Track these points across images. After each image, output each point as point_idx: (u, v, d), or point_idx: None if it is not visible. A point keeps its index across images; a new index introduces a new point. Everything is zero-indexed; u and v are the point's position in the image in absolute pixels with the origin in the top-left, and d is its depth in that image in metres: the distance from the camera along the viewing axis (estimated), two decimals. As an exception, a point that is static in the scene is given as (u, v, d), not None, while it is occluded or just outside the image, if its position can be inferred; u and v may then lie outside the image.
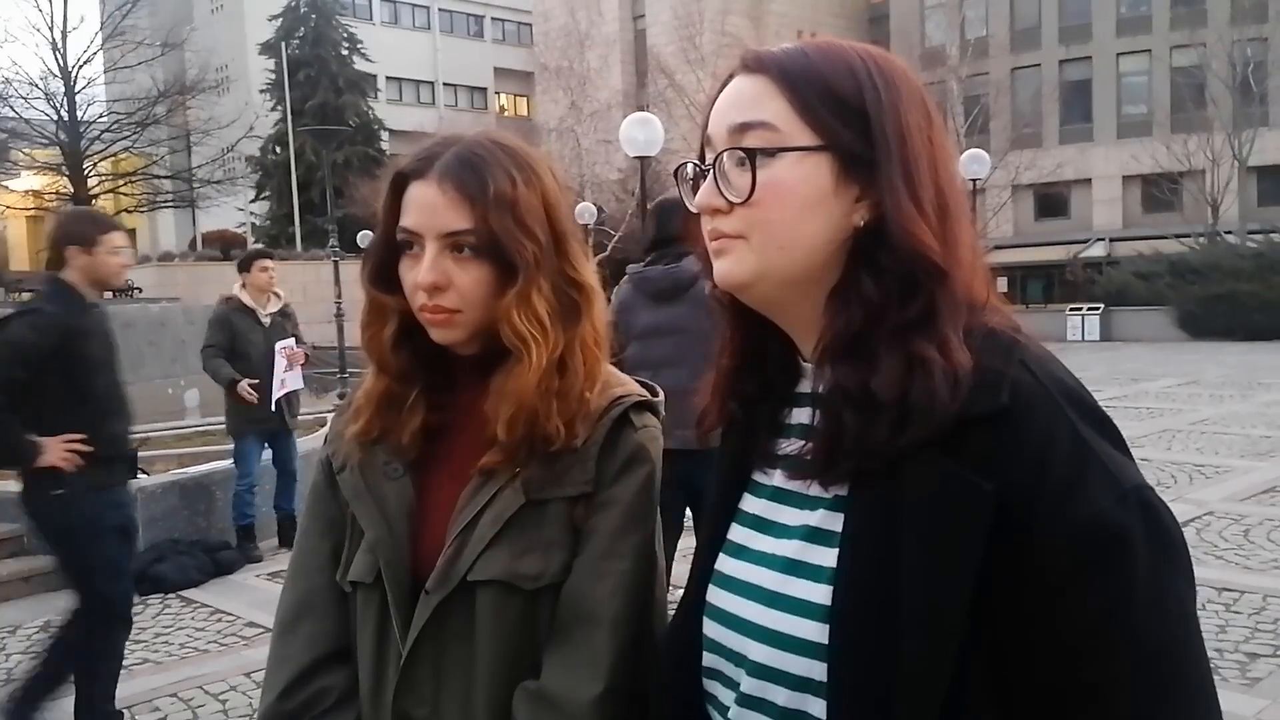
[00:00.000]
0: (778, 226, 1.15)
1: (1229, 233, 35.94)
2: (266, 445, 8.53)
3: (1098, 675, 0.99)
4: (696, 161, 1.24)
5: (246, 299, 8.36)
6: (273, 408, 8.15)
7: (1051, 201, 45.14)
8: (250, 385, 8.03)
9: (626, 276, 5.52)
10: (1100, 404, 1.11)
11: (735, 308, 1.27)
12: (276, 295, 8.55)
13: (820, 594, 1.12)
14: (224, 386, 8.28)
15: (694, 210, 1.22)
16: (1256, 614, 6.20)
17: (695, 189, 1.22)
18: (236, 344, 8.18)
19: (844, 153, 1.14)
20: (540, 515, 1.55)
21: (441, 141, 1.59)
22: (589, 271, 1.63)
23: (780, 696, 1.15)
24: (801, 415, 1.24)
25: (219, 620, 7.02)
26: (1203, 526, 8.23)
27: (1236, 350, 26.26)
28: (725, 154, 1.17)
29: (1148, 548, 1.00)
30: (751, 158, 1.15)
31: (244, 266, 8.51)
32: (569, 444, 1.55)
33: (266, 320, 8.38)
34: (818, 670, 1.11)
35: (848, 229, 1.15)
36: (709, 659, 1.27)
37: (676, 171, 1.27)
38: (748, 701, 1.19)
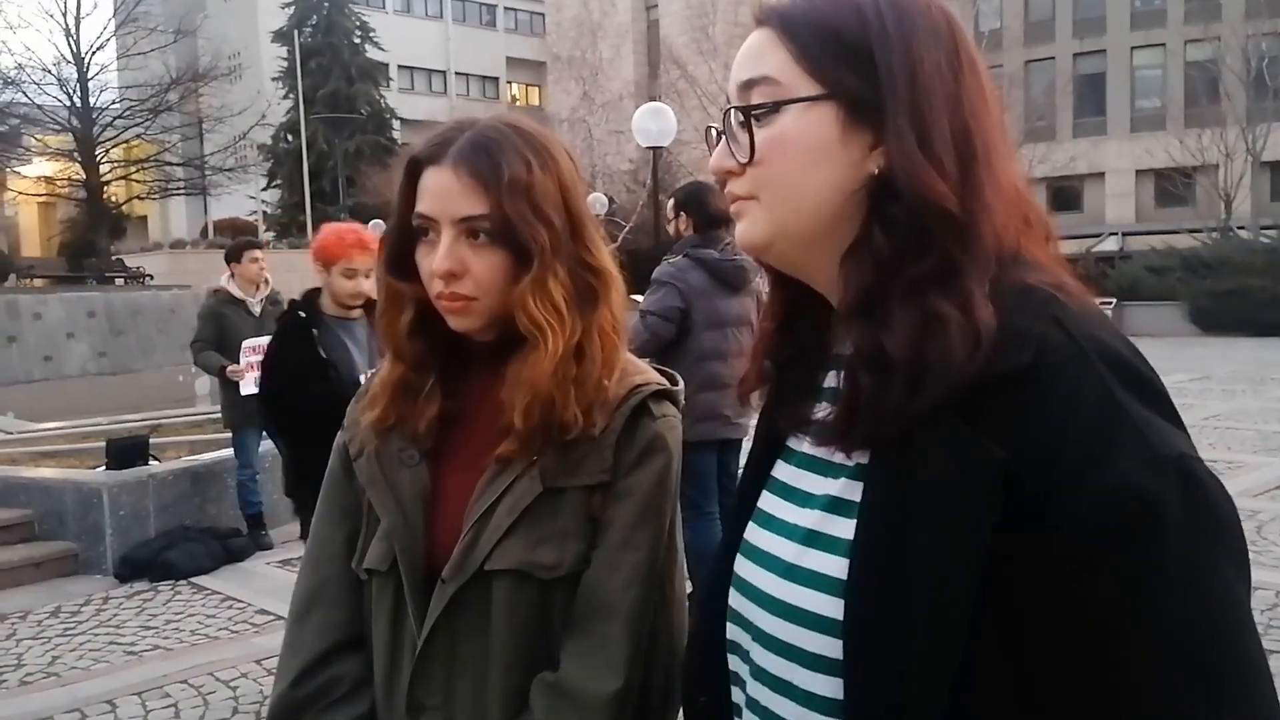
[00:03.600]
0: (784, 183, 1.11)
1: (1242, 228, 35.79)
2: (265, 435, 8.48)
3: (1122, 661, 0.91)
4: (718, 126, 1.19)
5: (235, 290, 8.31)
6: (247, 391, 7.95)
7: (1064, 195, 44.98)
8: (236, 368, 7.96)
9: (687, 259, 5.50)
10: (1153, 369, 1.01)
11: (774, 270, 1.23)
12: (266, 282, 8.49)
13: (836, 567, 1.07)
14: (215, 375, 8.33)
15: (712, 175, 1.19)
16: (1269, 610, 6.17)
17: None
18: (226, 336, 8.12)
19: (850, 99, 1.08)
20: (557, 504, 1.53)
21: (456, 126, 1.58)
22: (606, 257, 1.61)
23: (793, 672, 1.11)
24: (833, 378, 1.18)
25: (230, 607, 7.02)
26: (1214, 522, 8.14)
27: (1248, 345, 26.16)
28: (730, 114, 1.14)
29: (1185, 521, 0.91)
30: (749, 116, 1.11)
31: (233, 257, 8.40)
32: (586, 432, 1.53)
33: (257, 310, 8.33)
34: (832, 647, 1.05)
35: (863, 178, 1.09)
36: (731, 630, 1.23)
37: (706, 136, 1.23)
38: (761, 675, 1.16)
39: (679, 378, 1.69)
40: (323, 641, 1.64)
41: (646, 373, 1.64)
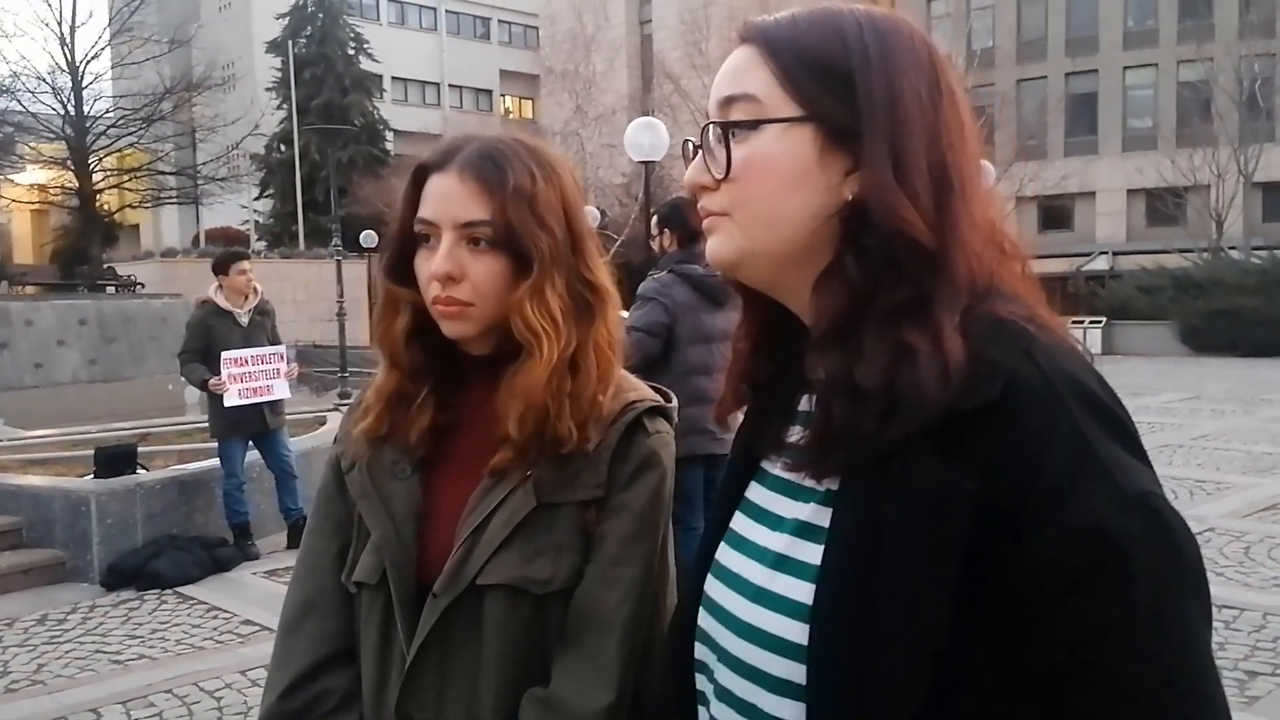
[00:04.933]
0: (759, 202, 1.11)
1: (1233, 248, 35.92)
2: (251, 445, 8.53)
3: (1090, 700, 0.91)
4: (695, 140, 1.18)
5: (222, 301, 8.34)
6: (231, 403, 8.08)
7: (1055, 214, 45.07)
8: (218, 381, 8.03)
9: (672, 274, 5.50)
10: (1122, 406, 1.01)
11: (748, 287, 1.22)
12: (255, 291, 8.53)
13: (804, 592, 1.06)
14: (198, 388, 8.41)
15: (686, 189, 1.18)
16: (1256, 632, 6.19)
17: None
18: (213, 347, 8.15)
19: (829, 123, 1.08)
20: (551, 519, 1.54)
21: (464, 137, 1.60)
22: (604, 274, 1.62)
23: (757, 695, 1.10)
24: (807, 401, 1.17)
25: (215, 617, 7.01)
26: (1203, 543, 8.11)
27: (1239, 365, 26.25)
28: (709, 129, 1.14)
29: (1152, 561, 0.91)
30: (727, 132, 1.11)
31: (220, 269, 8.41)
32: (581, 447, 1.53)
33: (245, 320, 8.36)
34: (797, 672, 1.05)
35: (838, 203, 1.08)
36: (699, 650, 1.23)
37: (683, 150, 1.22)
38: (726, 697, 1.15)
39: (673, 395, 1.69)
40: (313, 654, 1.63)
41: (641, 389, 1.64)
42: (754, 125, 1.10)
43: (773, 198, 1.10)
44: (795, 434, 1.17)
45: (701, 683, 1.23)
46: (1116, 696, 0.91)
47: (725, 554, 1.22)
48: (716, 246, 1.15)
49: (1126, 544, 0.91)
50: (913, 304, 1.03)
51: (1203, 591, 0.96)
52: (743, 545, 1.20)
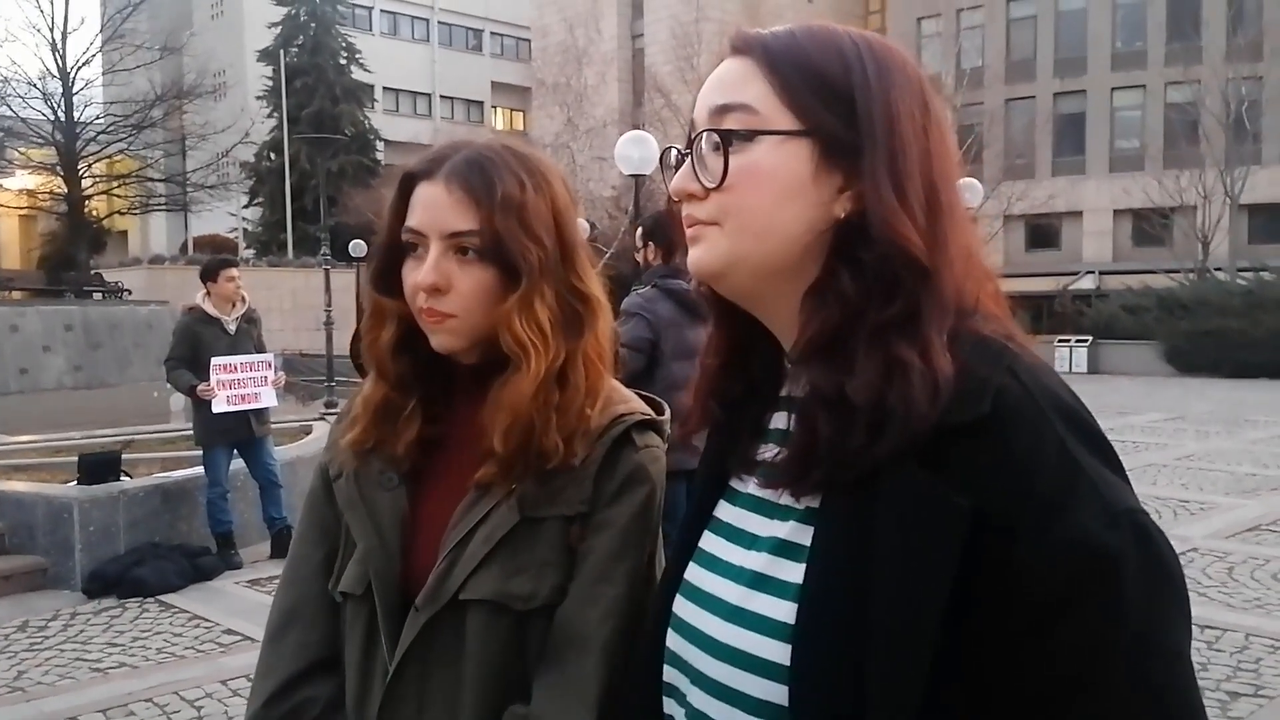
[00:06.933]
0: (752, 213, 1.10)
1: (1219, 269, 36.03)
2: (235, 453, 8.51)
3: (1080, 715, 0.93)
4: (679, 147, 1.17)
5: (210, 308, 8.34)
6: (219, 409, 8.07)
7: (1042, 233, 45.28)
8: (206, 387, 8.02)
9: (656, 289, 5.48)
10: (1097, 421, 1.03)
11: (720, 303, 1.22)
12: (242, 299, 8.53)
13: (785, 611, 1.05)
14: (185, 394, 8.40)
15: (672, 197, 1.17)
16: (1238, 652, 6.19)
17: None
18: (200, 354, 8.15)
19: (827, 138, 1.08)
20: (535, 534, 1.51)
21: (452, 145, 1.57)
22: (596, 285, 1.60)
23: (734, 717, 1.09)
24: (781, 420, 1.17)
25: (197, 626, 6.98)
26: (1186, 564, 8.16)
27: (1223, 387, 26.33)
28: (702, 136, 1.13)
29: (1140, 576, 0.93)
30: (726, 141, 1.10)
31: (209, 276, 8.42)
32: (567, 462, 1.51)
33: (232, 328, 8.37)
34: (777, 693, 1.04)
35: (829, 220, 1.09)
36: (668, 673, 1.21)
37: (661, 158, 1.20)
38: (699, 718, 1.13)
39: (665, 407, 1.67)
40: (297, 662, 1.62)
41: (631, 402, 1.62)
42: (751, 135, 1.10)
43: (767, 208, 1.09)
44: (768, 451, 1.16)
45: (670, 706, 1.21)
46: (1106, 711, 0.92)
47: (695, 573, 1.21)
48: (701, 255, 1.14)
49: (1117, 558, 0.92)
50: (904, 320, 1.04)
51: (1186, 609, 0.98)
52: (715, 564, 1.18)
